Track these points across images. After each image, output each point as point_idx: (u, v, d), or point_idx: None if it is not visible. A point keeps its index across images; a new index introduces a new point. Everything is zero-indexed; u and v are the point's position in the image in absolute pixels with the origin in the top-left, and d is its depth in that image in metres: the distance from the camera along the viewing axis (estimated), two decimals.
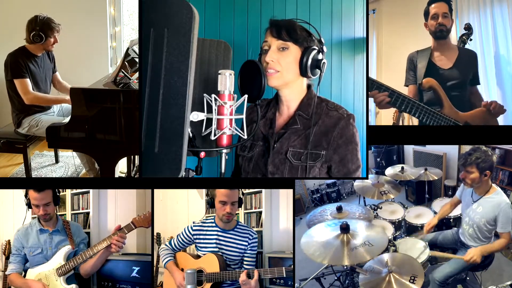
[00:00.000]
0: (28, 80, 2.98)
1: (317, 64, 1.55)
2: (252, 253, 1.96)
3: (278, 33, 1.54)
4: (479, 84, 2.38)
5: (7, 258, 2.08)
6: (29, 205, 2.04)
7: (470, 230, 2.07)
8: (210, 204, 1.95)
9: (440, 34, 2.32)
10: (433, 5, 2.32)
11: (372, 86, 2.18)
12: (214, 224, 1.97)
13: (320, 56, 1.56)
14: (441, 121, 2.26)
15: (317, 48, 1.55)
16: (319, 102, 1.60)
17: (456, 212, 2.32)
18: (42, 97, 3.07)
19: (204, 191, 2.25)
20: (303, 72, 1.55)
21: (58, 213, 2.17)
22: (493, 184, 2.04)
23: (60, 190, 2.25)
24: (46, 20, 2.97)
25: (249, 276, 1.83)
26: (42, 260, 2.03)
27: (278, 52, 1.55)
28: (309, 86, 1.64)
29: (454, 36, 2.39)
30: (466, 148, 2.18)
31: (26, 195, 2.04)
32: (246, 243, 1.95)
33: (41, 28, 2.94)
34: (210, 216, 2.04)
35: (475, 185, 2.04)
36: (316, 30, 1.57)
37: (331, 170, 1.60)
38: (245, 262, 1.95)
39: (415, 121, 2.60)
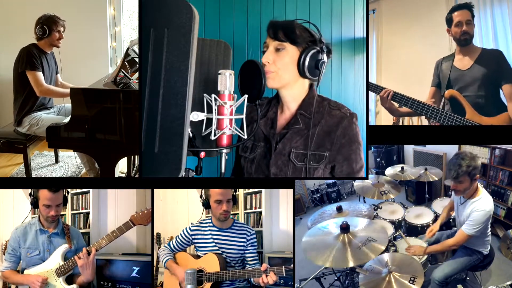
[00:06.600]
0: (41, 73, 3.06)
1: (315, 64, 1.53)
2: (253, 249, 1.96)
3: (274, 34, 1.54)
4: None
5: None
6: (34, 205, 1.99)
7: None
8: (205, 205, 1.95)
9: (464, 42, 2.33)
10: (456, 13, 2.32)
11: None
12: (211, 224, 1.97)
13: (319, 56, 1.53)
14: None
15: (317, 48, 1.53)
16: (321, 101, 1.58)
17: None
18: (54, 90, 3.17)
19: (200, 192, 2.25)
20: (301, 73, 1.54)
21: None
22: (480, 188, 2.02)
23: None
24: (51, 16, 3.12)
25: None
26: (39, 261, 2.01)
27: (275, 53, 1.54)
28: (311, 85, 1.62)
29: (477, 39, 2.39)
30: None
31: (31, 194, 2.01)
32: (245, 240, 1.95)
33: (45, 22, 3.08)
34: (208, 216, 2.04)
35: (467, 191, 2.03)
36: (317, 28, 1.55)
37: (334, 170, 1.57)
38: (248, 259, 1.95)
39: (415, 121, 2.60)
